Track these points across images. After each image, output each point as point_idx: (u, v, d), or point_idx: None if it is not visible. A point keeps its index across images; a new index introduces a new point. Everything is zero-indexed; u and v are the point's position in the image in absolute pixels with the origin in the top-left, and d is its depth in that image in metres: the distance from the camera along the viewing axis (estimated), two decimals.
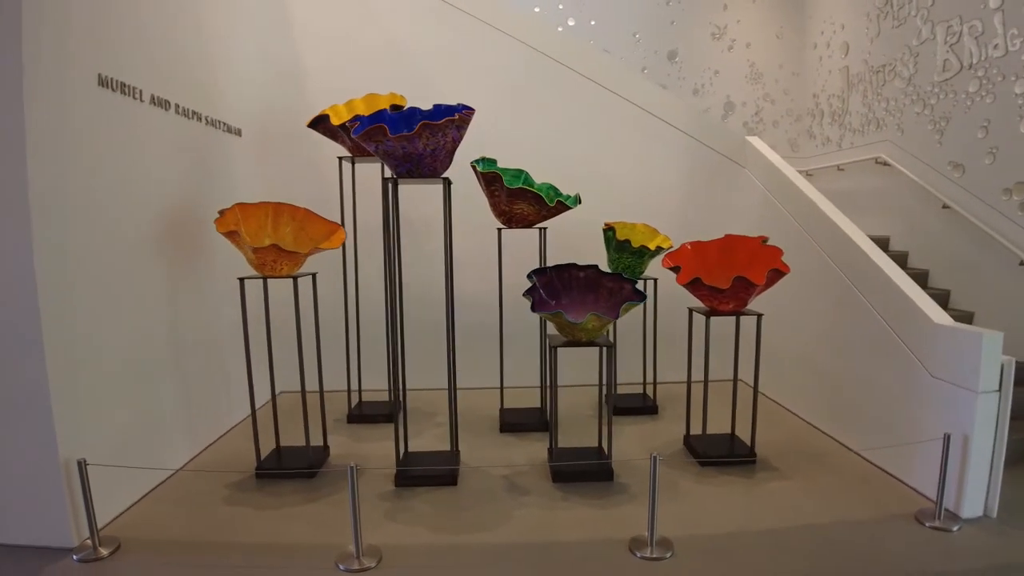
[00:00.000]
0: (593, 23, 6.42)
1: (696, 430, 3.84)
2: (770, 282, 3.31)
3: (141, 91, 3.27)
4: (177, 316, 3.60)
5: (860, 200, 5.83)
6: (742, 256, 3.57)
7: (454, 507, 3.12)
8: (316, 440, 3.75)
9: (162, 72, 3.48)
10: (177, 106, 3.63)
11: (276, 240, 3.63)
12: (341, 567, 2.53)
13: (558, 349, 3.30)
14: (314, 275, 3.60)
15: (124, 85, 3.13)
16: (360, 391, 4.66)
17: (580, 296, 3.46)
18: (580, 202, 3.99)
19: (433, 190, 4.55)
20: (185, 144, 3.72)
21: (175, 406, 3.59)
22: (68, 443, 2.67)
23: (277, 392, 4.22)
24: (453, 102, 4.80)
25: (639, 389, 4.92)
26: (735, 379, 3.76)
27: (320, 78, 4.88)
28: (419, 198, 4.72)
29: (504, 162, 4.17)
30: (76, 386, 2.76)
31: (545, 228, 4.20)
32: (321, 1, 4.89)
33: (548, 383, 3.93)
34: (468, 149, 4.15)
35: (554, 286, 3.46)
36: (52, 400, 2.60)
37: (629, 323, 4.83)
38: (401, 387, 3.49)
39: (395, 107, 3.33)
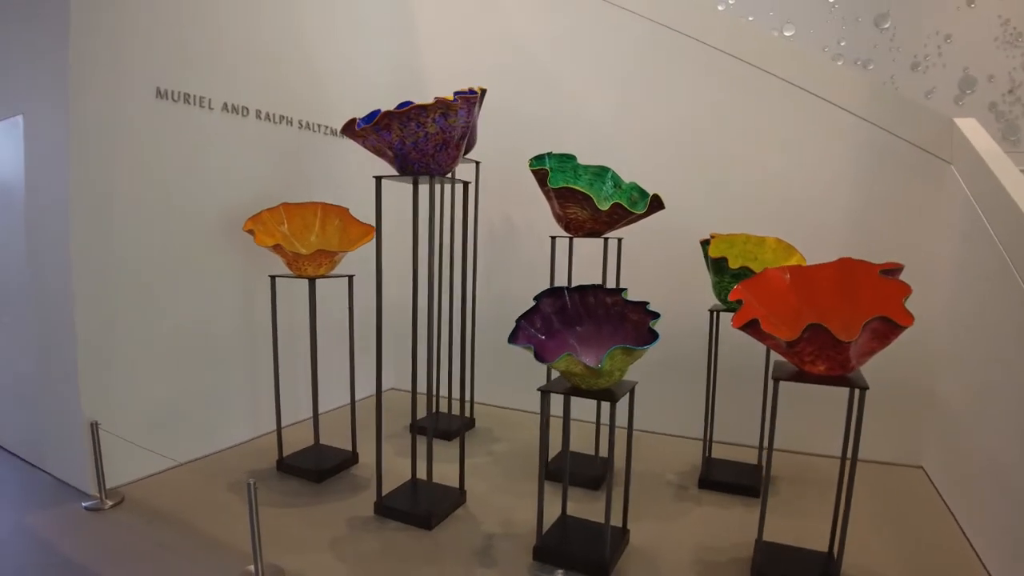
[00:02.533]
0: None
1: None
2: (878, 336, 2.17)
3: (210, 100, 3.55)
4: (235, 306, 3.85)
5: None
6: (865, 292, 2.41)
7: None
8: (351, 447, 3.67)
9: (241, 81, 3.74)
10: (259, 111, 3.87)
11: (323, 239, 3.65)
12: None
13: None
14: (351, 277, 3.49)
15: (187, 95, 3.42)
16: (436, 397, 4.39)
17: (596, 330, 2.72)
18: (661, 205, 3.16)
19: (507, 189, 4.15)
20: (266, 146, 3.96)
21: (228, 390, 3.84)
22: (94, 409, 3.02)
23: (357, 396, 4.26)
24: (569, 91, 4.40)
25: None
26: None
27: (437, 75, 4.86)
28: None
29: (621, 161, 3.60)
30: (107, 362, 3.10)
31: (620, 239, 3.49)
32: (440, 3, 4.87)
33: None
34: (578, 146, 3.70)
35: (569, 314, 2.77)
36: (79, 373, 2.97)
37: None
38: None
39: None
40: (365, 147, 2.84)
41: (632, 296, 2.88)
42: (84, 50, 2.93)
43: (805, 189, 3.88)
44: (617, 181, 3.44)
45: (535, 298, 2.69)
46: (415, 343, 2.98)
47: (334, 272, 3.50)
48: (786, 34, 5.18)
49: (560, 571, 2.50)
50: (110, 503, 2.97)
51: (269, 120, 3.96)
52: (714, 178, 4.09)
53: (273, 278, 3.40)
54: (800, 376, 2.36)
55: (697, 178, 4.13)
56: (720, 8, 5.24)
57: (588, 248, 3.83)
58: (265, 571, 2.37)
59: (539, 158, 3.33)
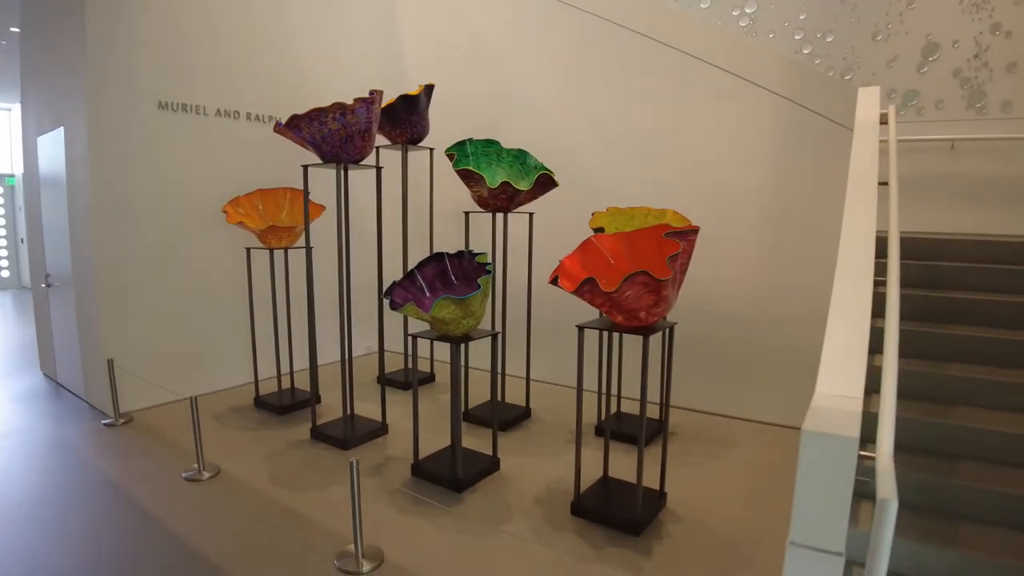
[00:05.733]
0: None
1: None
2: (649, 288, 2.54)
3: (205, 107, 4.40)
4: (228, 276, 4.71)
5: None
6: (668, 251, 2.77)
7: None
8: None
9: (233, 88, 4.56)
10: (249, 114, 4.69)
11: (291, 217, 4.40)
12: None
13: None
14: (309, 248, 4.21)
15: (185, 105, 4.28)
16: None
17: (468, 287, 3.25)
18: (552, 183, 3.64)
19: None
20: (255, 142, 4.76)
21: (220, 342, 4.73)
22: (112, 351, 3.98)
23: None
24: (519, 80, 4.92)
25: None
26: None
27: (415, 72, 5.51)
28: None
29: (563, 144, 4.15)
30: (123, 316, 4.05)
31: (531, 213, 4.00)
32: (419, 8, 5.48)
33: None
34: (526, 129, 4.33)
35: (448, 276, 3.32)
36: (101, 322, 3.94)
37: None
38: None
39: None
40: (294, 142, 3.53)
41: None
42: (98, 75, 3.83)
43: (728, 164, 4.17)
44: (535, 163, 3.91)
45: (418, 264, 3.27)
46: (344, 315, 3.66)
47: (298, 244, 4.25)
48: (747, 10, 5.28)
49: None
50: (122, 421, 3.92)
51: (259, 120, 4.76)
52: (640, 156, 4.45)
53: (248, 250, 4.20)
54: (608, 325, 2.79)
55: (627, 158, 4.50)
56: None
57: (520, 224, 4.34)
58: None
59: (459, 144, 3.87)
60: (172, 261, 4.34)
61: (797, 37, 5.14)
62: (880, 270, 2.58)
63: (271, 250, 4.14)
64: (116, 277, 4.02)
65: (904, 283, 3.04)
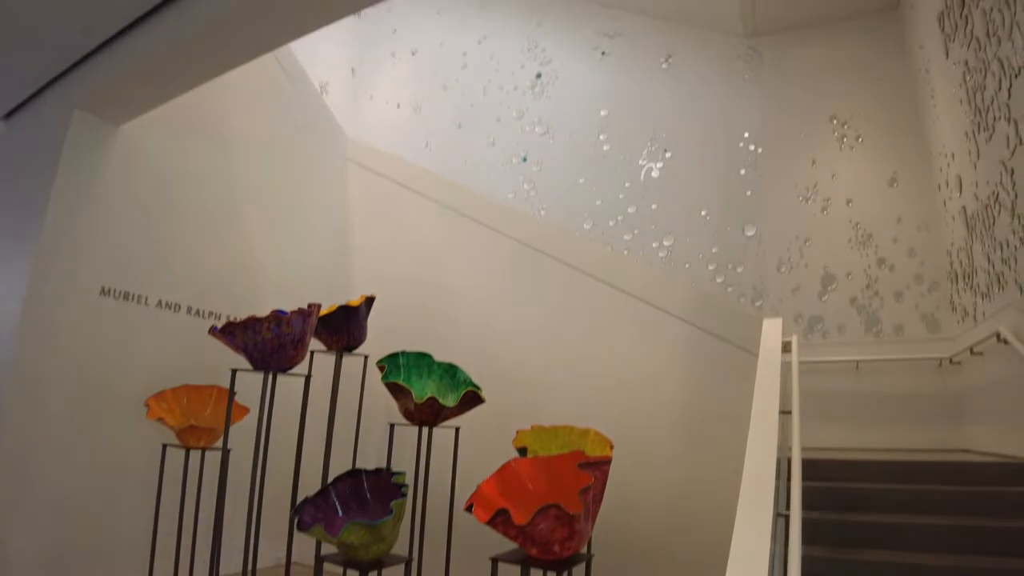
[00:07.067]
0: (654, 207, 6.11)
1: None
2: (561, 521, 2.49)
3: (147, 297, 4.47)
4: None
5: (979, 403, 4.00)
6: (565, 478, 2.78)
7: None
8: None
9: (176, 281, 4.67)
10: (190, 308, 4.77)
11: (215, 417, 4.27)
12: None
13: None
14: (227, 451, 4.03)
15: (127, 293, 4.35)
16: None
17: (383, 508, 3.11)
18: (478, 400, 3.71)
19: None
20: (191, 337, 4.76)
21: (125, 539, 4.25)
22: None
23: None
24: (453, 293, 5.23)
25: None
26: None
27: (364, 278, 5.82)
28: None
29: (493, 358, 4.33)
30: (16, 502, 3.66)
31: (458, 428, 3.99)
32: (367, 225, 6.00)
33: None
34: (456, 345, 4.45)
35: (364, 494, 3.20)
36: None
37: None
38: None
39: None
40: (228, 346, 3.56)
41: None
42: (47, 254, 3.86)
43: (640, 382, 4.39)
44: (464, 377, 4.01)
45: (334, 480, 3.16)
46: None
47: (216, 445, 4.06)
48: (665, 243, 5.96)
49: None
50: None
51: (199, 315, 4.83)
52: (570, 373, 4.66)
53: (165, 446, 3.98)
54: (522, 558, 2.66)
55: (557, 373, 4.71)
56: (586, 227, 6.14)
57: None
58: None
59: (392, 356, 3.97)
60: (80, 450, 4.05)
61: (710, 267, 5.76)
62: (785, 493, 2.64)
63: (187, 449, 3.94)
64: (13, 458, 3.68)
65: (810, 507, 3.07)
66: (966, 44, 4.20)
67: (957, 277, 4.77)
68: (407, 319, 5.35)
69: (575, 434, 3.82)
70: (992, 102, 3.82)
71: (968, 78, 4.20)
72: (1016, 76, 3.46)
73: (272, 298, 5.22)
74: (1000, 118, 3.73)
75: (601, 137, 6.55)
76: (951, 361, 4.70)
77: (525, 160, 6.80)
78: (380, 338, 4.78)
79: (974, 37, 4.04)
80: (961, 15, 4.23)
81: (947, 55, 4.59)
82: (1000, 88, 3.68)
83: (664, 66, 6.53)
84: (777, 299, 5.48)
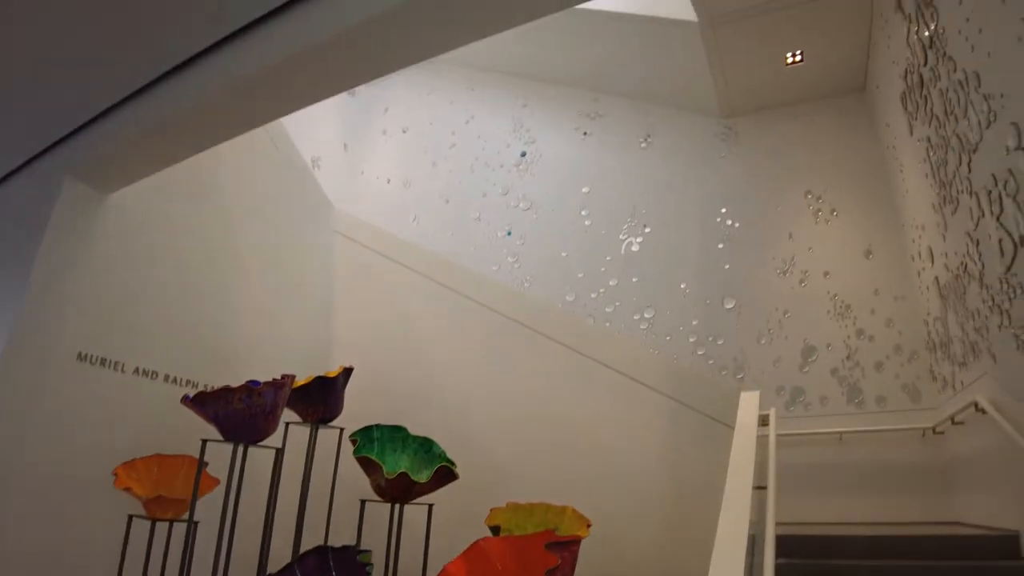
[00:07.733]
0: (635, 280, 6.22)
1: None
2: None
3: (124, 364, 4.43)
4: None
5: (964, 473, 3.93)
6: (535, 558, 2.69)
7: None
8: None
9: (154, 348, 4.65)
10: (167, 375, 4.72)
11: (186, 488, 4.13)
12: None
13: None
14: (194, 523, 3.88)
15: (104, 359, 4.31)
16: None
17: None
18: (452, 476, 3.64)
19: None
20: (167, 406, 4.70)
21: None
22: None
23: None
24: (437, 365, 5.23)
25: None
26: None
27: (346, 349, 5.80)
28: None
29: (471, 431, 4.29)
30: None
31: (431, 504, 3.89)
32: (352, 291, 6.06)
33: None
34: (433, 418, 4.40)
35: (329, 571, 3.08)
36: None
37: None
38: None
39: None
40: (199, 416, 3.52)
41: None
42: (26, 319, 3.82)
43: (621, 454, 4.32)
44: (439, 451, 3.95)
45: (300, 556, 3.04)
46: None
47: (183, 517, 3.91)
48: (646, 316, 6.03)
49: None
50: None
51: (175, 383, 4.78)
52: (547, 446, 4.62)
53: (131, 517, 3.83)
54: None
55: (535, 447, 4.66)
56: (569, 298, 6.24)
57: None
58: None
59: (366, 429, 3.92)
60: (45, 518, 3.88)
61: (691, 340, 5.80)
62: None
63: (154, 520, 3.80)
64: None
65: None
66: (927, 122, 4.42)
67: (935, 346, 4.82)
68: (387, 390, 5.32)
69: (552, 512, 3.72)
70: (954, 176, 3.99)
71: (931, 154, 4.40)
72: (974, 151, 3.63)
73: (255, 368, 5.18)
74: (963, 191, 3.88)
75: (583, 212, 6.76)
76: (934, 431, 4.66)
77: (510, 234, 6.98)
78: (358, 410, 4.73)
79: (934, 115, 4.26)
80: (921, 95, 4.47)
81: (911, 132, 4.83)
82: (960, 163, 3.85)
83: (643, 145, 6.83)
84: (759, 371, 5.49)
